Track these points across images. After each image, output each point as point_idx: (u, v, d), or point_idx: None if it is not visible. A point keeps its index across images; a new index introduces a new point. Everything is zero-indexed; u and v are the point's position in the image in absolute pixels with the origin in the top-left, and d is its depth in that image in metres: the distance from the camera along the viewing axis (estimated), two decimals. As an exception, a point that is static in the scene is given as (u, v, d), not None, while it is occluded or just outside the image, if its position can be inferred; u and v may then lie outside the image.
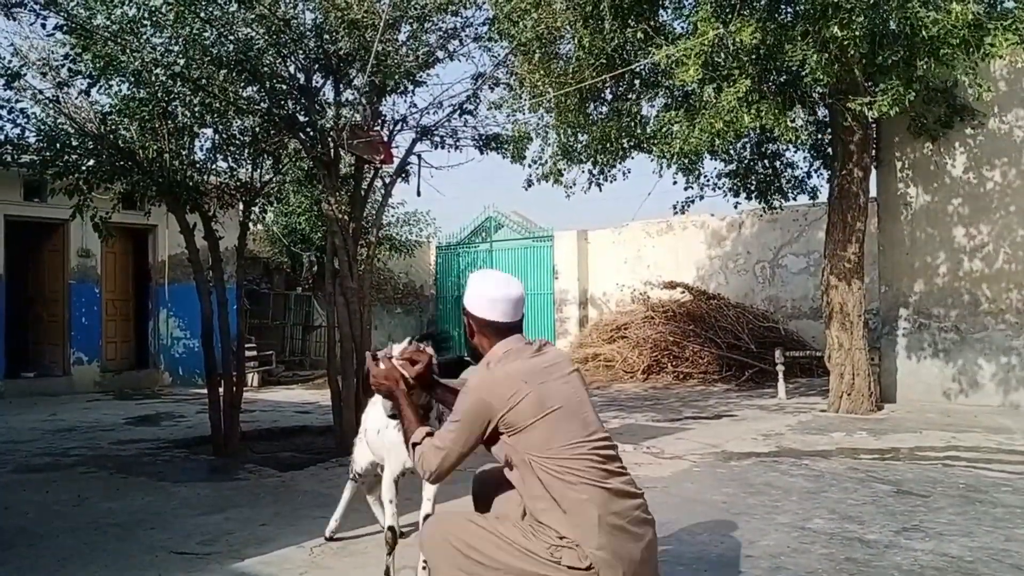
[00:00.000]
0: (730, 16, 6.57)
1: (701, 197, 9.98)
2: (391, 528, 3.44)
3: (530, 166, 8.91)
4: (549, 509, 2.35)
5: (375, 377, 2.73)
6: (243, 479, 5.69)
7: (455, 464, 2.47)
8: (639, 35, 7.18)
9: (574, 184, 9.24)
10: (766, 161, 9.70)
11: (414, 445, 2.54)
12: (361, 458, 3.94)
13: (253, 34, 5.78)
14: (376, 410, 3.64)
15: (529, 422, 2.37)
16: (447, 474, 2.50)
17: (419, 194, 7.22)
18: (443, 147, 7.11)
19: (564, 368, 2.55)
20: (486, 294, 2.60)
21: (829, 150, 8.86)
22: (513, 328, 2.59)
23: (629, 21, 7.36)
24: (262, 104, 6.34)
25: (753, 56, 6.68)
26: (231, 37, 5.72)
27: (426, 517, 3.42)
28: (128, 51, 5.48)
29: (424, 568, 3.30)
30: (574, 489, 2.33)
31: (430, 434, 2.54)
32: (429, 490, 3.50)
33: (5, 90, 5.90)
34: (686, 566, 3.60)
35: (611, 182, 9.41)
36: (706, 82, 6.67)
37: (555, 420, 2.39)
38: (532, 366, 2.47)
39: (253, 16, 5.74)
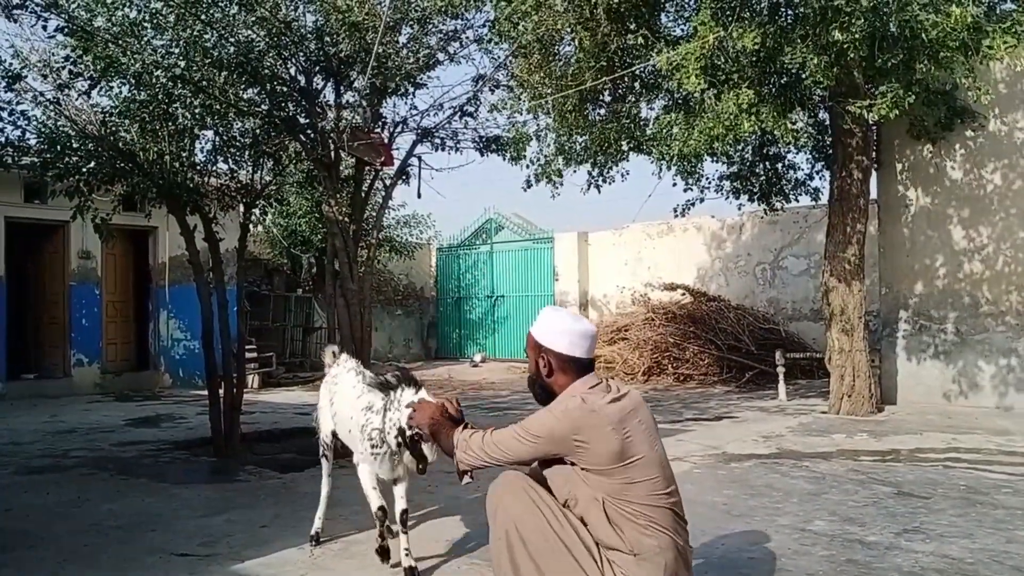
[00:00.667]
0: (730, 19, 6.58)
1: (702, 199, 10.00)
2: (380, 507, 3.62)
3: (528, 167, 8.92)
4: (617, 548, 2.40)
5: (421, 420, 2.87)
6: (244, 481, 5.69)
7: (504, 462, 2.54)
8: (639, 39, 7.19)
9: (562, 184, 9.21)
10: (767, 163, 9.70)
11: (463, 445, 2.60)
12: (324, 427, 4.07)
13: (254, 36, 5.79)
14: (349, 397, 3.73)
15: (610, 467, 2.40)
16: (482, 465, 2.59)
17: (419, 196, 7.24)
18: (443, 149, 7.12)
19: (645, 416, 2.58)
20: (569, 330, 2.61)
21: (831, 152, 8.86)
22: (591, 366, 2.63)
23: (628, 24, 7.37)
24: (263, 106, 6.35)
25: (753, 60, 6.68)
26: (232, 39, 5.73)
27: (403, 511, 3.61)
28: (129, 53, 5.49)
29: (407, 555, 3.50)
30: (648, 536, 2.38)
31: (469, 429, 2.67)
32: (399, 490, 3.66)
33: (6, 92, 5.91)
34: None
35: (610, 184, 9.42)
36: (706, 88, 6.68)
37: (641, 473, 2.43)
38: (620, 410, 2.49)
39: (254, 18, 5.75)
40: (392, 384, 3.41)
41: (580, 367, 2.60)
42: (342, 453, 4.10)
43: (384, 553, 3.66)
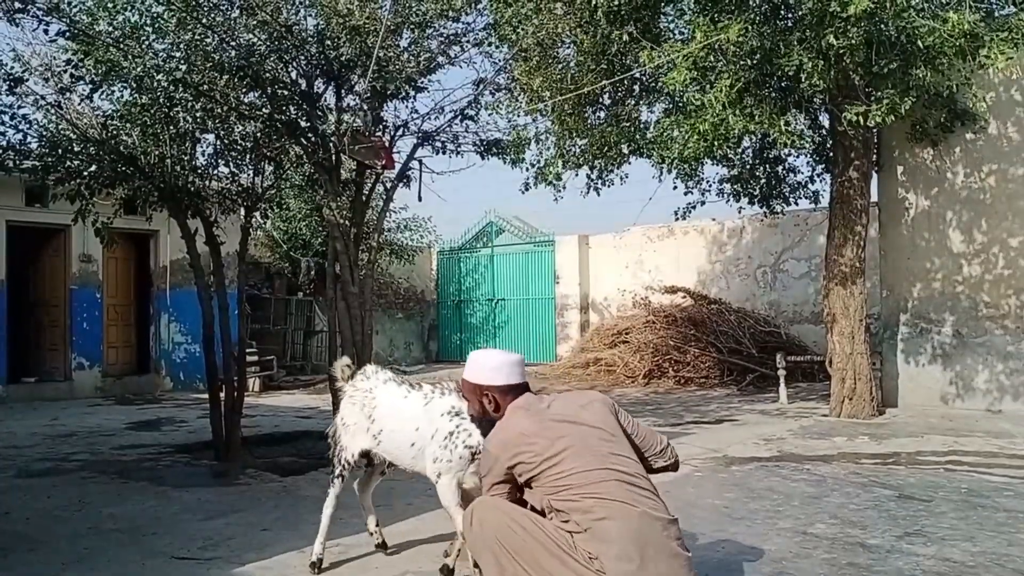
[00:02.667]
0: (727, 20, 6.58)
1: (702, 203, 10.00)
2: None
3: (527, 170, 8.93)
4: (576, 531, 2.51)
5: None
6: (244, 484, 5.69)
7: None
8: (628, 35, 7.19)
9: (564, 188, 9.22)
10: (768, 166, 9.71)
11: None
12: (354, 447, 3.69)
13: (255, 40, 5.80)
14: (406, 407, 3.50)
15: (540, 470, 2.59)
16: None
17: (420, 199, 7.24)
18: (444, 152, 7.12)
19: (577, 410, 2.73)
20: (500, 363, 2.89)
21: (831, 154, 8.87)
22: (523, 388, 2.86)
23: (627, 27, 7.38)
24: (264, 110, 6.36)
25: (745, 61, 6.69)
26: (233, 43, 5.74)
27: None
28: (130, 57, 5.49)
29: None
30: (593, 511, 2.49)
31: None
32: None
33: (7, 96, 5.92)
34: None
35: (610, 187, 9.44)
36: (695, 83, 6.67)
37: (564, 461, 2.57)
38: (537, 419, 2.71)
39: (255, 22, 5.76)
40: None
41: (518, 392, 2.85)
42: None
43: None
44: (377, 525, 3.96)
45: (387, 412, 3.57)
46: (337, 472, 3.76)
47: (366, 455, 3.73)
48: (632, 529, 2.45)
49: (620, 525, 2.45)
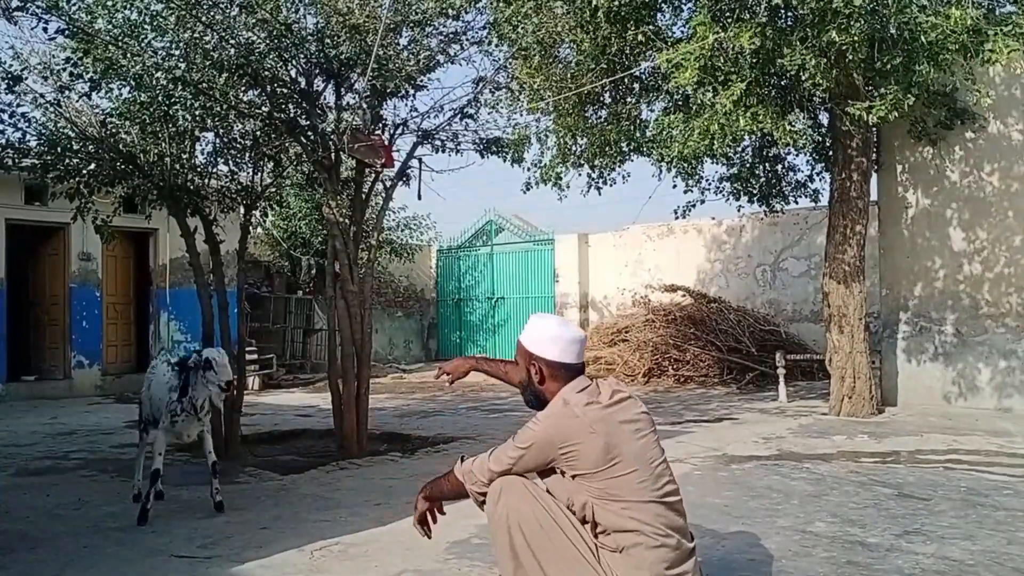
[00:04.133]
0: (729, 20, 6.58)
1: (702, 201, 10.00)
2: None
3: (529, 169, 8.93)
4: (609, 545, 2.46)
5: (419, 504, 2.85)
6: (244, 482, 5.69)
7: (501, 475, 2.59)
8: (639, 38, 7.20)
9: (567, 187, 9.21)
10: (767, 164, 9.71)
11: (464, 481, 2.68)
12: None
13: (254, 38, 5.79)
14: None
15: (594, 470, 2.44)
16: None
17: (420, 198, 7.23)
18: (444, 151, 7.12)
19: (637, 419, 2.60)
20: (559, 336, 2.64)
21: (831, 153, 8.87)
22: (581, 369, 2.66)
23: (628, 26, 7.38)
24: (263, 108, 6.35)
25: (752, 60, 6.69)
26: (232, 41, 5.73)
27: (213, 464, 4.73)
28: (129, 55, 5.49)
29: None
30: (632, 537, 2.43)
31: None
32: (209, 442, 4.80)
33: (6, 94, 5.90)
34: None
35: (610, 185, 9.43)
36: (703, 85, 6.68)
37: (621, 470, 2.45)
38: (606, 415, 2.52)
39: (254, 20, 5.75)
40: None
41: (570, 372, 2.62)
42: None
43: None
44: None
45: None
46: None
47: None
48: (665, 561, 2.44)
49: (654, 556, 2.43)
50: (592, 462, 2.44)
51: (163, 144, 6.27)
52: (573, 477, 2.48)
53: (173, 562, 3.85)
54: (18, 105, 6.07)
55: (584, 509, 2.48)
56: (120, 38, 5.48)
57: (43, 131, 6.23)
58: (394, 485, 4.84)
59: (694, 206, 10.07)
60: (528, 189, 9.24)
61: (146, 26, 5.53)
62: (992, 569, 3.54)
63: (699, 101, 6.94)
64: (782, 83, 7.58)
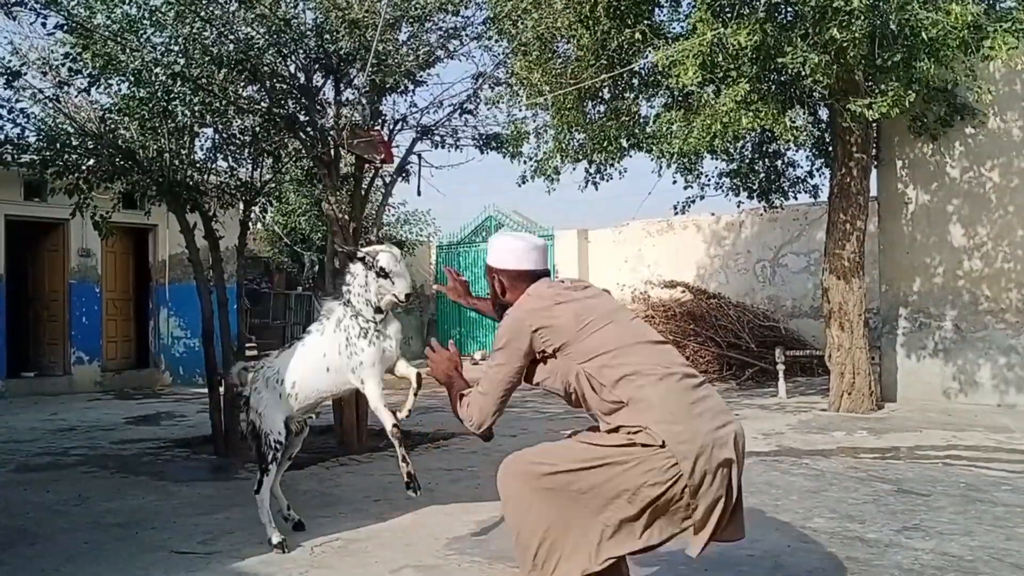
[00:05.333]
0: (729, 16, 6.57)
1: (702, 197, 9.99)
2: (395, 425, 3.70)
3: (525, 162, 8.91)
4: (615, 410, 2.40)
5: (435, 368, 2.83)
6: (244, 478, 5.69)
7: (500, 405, 2.58)
8: (637, 35, 7.18)
9: (558, 180, 9.16)
10: (767, 160, 9.70)
11: (460, 409, 2.67)
12: (277, 423, 3.92)
13: (253, 33, 5.78)
14: (308, 349, 3.90)
15: (572, 334, 2.45)
16: (493, 419, 2.61)
17: (419, 193, 7.22)
18: (443, 146, 7.11)
19: (606, 299, 2.64)
20: (513, 247, 2.70)
21: (830, 149, 8.86)
22: (543, 275, 2.68)
23: (627, 21, 7.36)
24: (262, 103, 6.34)
25: (752, 57, 6.68)
26: (231, 36, 5.72)
27: (418, 375, 3.83)
28: (128, 50, 5.47)
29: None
30: (632, 381, 2.37)
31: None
32: (402, 364, 3.93)
33: (5, 89, 5.89)
34: (687, 565, 3.59)
35: (608, 181, 9.41)
36: (705, 83, 6.67)
37: (599, 327, 2.46)
38: (570, 291, 2.59)
39: (253, 16, 5.74)
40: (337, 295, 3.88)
41: (533, 278, 2.65)
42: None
43: (413, 480, 3.70)
44: (289, 508, 4.20)
45: (291, 366, 3.92)
46: (270, 457, 3.95)
47: (287, 424, 3.98)
48: (671, 390, 2.38)
49: (658, 389, 2.37)
50: (568, 330, 2.46)
51: (162, 140, 6.26)
52: (555, 353, 2.48)
53: (174, 558, 3.85)
54: (17, 101, 6.07)
55: (578, 382, 2.45)
56: (119, 33, 5.47)
57: (42, 127, 6.22)
58: (394, 481, 4.84)
59: (694, 202, 10.06)
60: (524, 182, 9.21)
61: (145, 21, 5.52)
62: (991, 565, 3.54)
63: (700, 99, 6.93)
64: (782, 79, 7.56)
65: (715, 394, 2.50)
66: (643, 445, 2.31)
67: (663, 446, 2.29)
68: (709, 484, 2.32)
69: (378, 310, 3.76)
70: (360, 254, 3.79)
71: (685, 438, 2.30)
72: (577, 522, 2.38)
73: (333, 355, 3.78)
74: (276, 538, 3.86)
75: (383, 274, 3.71)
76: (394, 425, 3.66)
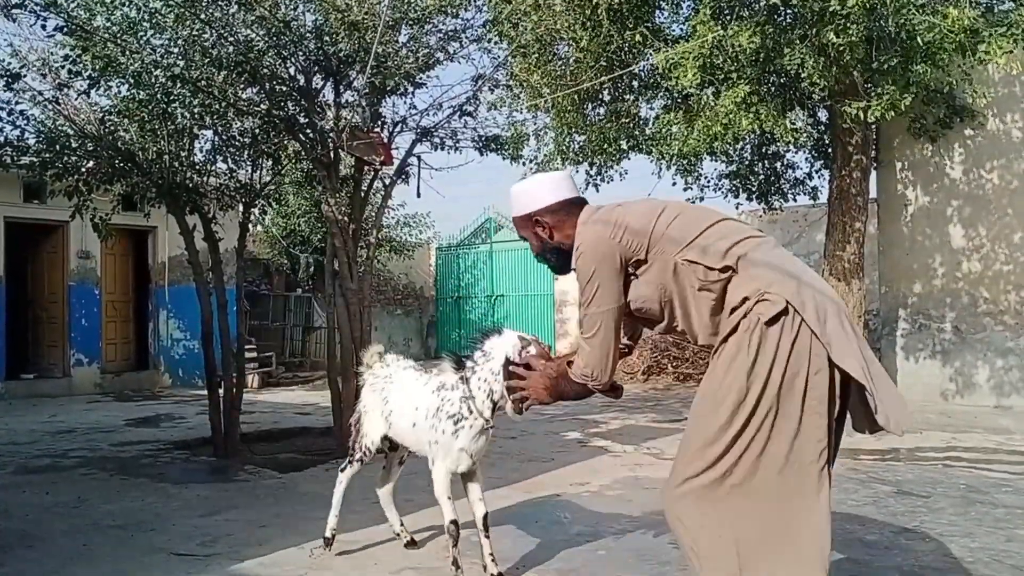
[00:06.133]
0: (728, 19, 6.58)
1: (701, 198, 10.00)
2: (453, 521, 3.35)
3: (525, 164, 8.92)
4: (724, 284, 2.19)
5: (535, 391, 2.64)
6: (243, 480, 5.69)
7: (614, 345, 2.34)
8: (637, 38, 7.19)
9: None
10: (767, 162, 9.71)
11: (575, 374, 2.43)
12: (374, 432, 3.73)
13: (253, 36, 5.78)
14: (413, 389, 3.55)
15: (652, 228, 2.24)
16: (613, 363, 2.37)
17: (419, 195, 7.23)
18: (443, 148, 7.11)
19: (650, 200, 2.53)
20: (546, 182, 2.52)
21: (830, 151, 8.87)
22: (581, 202, 2.47)
23: (627, 23, 7.37)
24: (262, 106, 6.34)
25: (752, 59, 6.69)
26: (231, 39, 5.72)
27: (484, 515, 3.37)
28: (128, 52, 5.48)
29: (493, 561, 3.31)
30: (736, 248, 2.19)
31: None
32: (476, 490, 3.40)
33: (5, 91, 5.89)
34: (686, 569, 3.59)
35: (608, 183, 9.43)
36: (704, 85, 6.69)
37: (673, 215, 2.27)
38: (616, 206, 2.38)
39: (253, 18, 5.74)
40: (461, 360, 3.31)
41: (577, 206, 2.44)
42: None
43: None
44: (402, 524, 3.98)
45: (398, 395, 3.65)
46: (358, 457, 3.82)
47: (387, 439, 3.77)
48: (773, 254, 2.24)
49: (760, 253, 2.20)
50: (646, 227, 2.25)
51: (162, 142, 6.26)
52: (647, 257, 2.25)
53: (173, 560, 3.85)
54: (17, 103, 6.07)
55: (678, 281, 2.24)
56: (119, 35, 5.47)
57: (42, 129, 6.22)
58: (400, 481, 4.83)
59: (693, 203, 10.07)
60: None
61: (145, 23, 5.53)
62: (991, 566, 3.54)
63: (700, 101, 6.94)
64: (782, 81, 7.57)
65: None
66: (769, 321, 2.08)
67: (787, 308, 2.08)
68: (838, 336, 2.09)
69: (494, 408, 3.21)
70: (516, 340, 3.09)
71: (803, 295, 2.11)
72: (763, 498, 2.07)
73: (421, 415, 3.43)
74: (328, 532, 3.80)
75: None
76: (452, 522, 3.33)
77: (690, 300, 2.26)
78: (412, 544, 3.93)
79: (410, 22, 6.32)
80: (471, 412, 3.20)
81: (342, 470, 3.86)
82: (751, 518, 2.09)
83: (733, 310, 2.17)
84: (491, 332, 3.21)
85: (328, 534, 3.82)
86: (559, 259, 2.50)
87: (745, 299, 2.14)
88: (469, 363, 3.24)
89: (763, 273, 2.15)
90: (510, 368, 2.77)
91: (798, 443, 2.08)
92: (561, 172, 2.59)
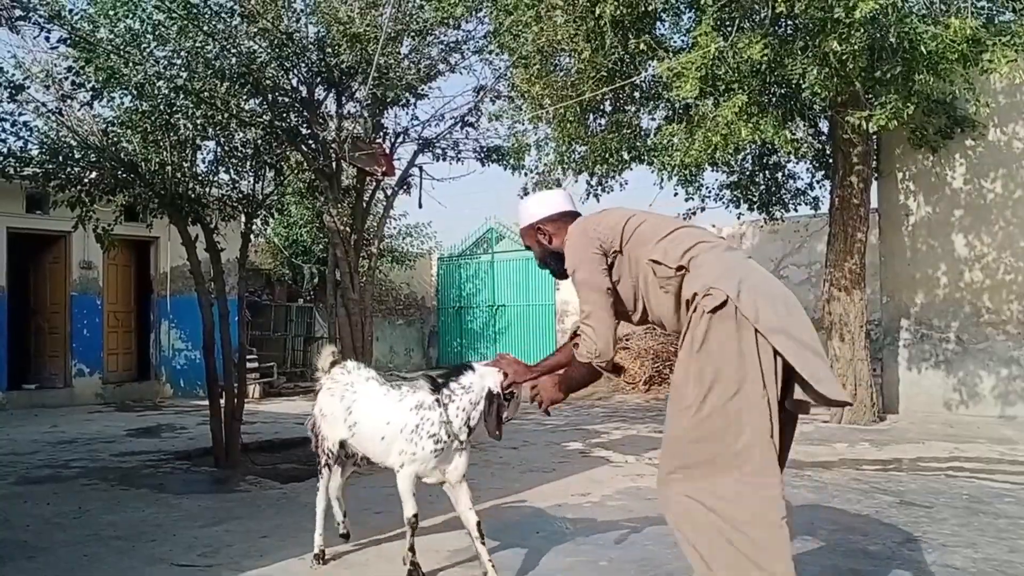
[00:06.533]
0: (730, 30, 6.60)
1: (702, 208, 10.03)
2: (415, 515, 3.50)
3: (526, 175, 8.94)
4: (683, 286, 2.53)
5: (553, 394, 2.93)
6: (244, 491, 5.68)
7: (612, 321, 2.66)
8: (640, 47, 7.21)
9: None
10: (768, 172, 9.72)
11: (580, 355, 2.71)
12: (333, 436, 3.81)
13: (256, 48, 5.82)
14: (384, 403, 3.62)
15: (624, 226, 2.65)
16: (614, 337, 2.67)
17: (420, 206, 7.26)
18: (444, 159, 7.14)
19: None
20: (550, 197, 3.01)
21: (831, 161, 8.88)
22: (578, 215, 2.89)
23: (629, 35, 7.39)
24: (264, 117, 6.37)
25: (754, 70, 6.71)
26: (234, 51, 5.76)
27: (478, 523, 3.45)
28: (131, 64, 5.51)
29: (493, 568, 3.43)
30: (689, 252, 2.54)
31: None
32: (464, 501, 3.49)
33: (8, 103, 5.92)
34: (688, 578, 3.59)
35: (609, 193, 9.44)
36: (704, 95, 6.70)
37: (641, 220, 2.69)
38: (606, 211, 2.85)
39: (256, 30, 5.79)
40: (436, 383, 3.45)
41: (572, 218, 2.86)
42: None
43: (417, 569, 3.49)
44: (345, 516, 4.07)
45: (364, 406, 3.69)
46: (323, 462, 3.91)
47: (343, 445, 3.85)
48: (722, 257, 2.56)
49: (710, 256, 2.54)
50: (618, 226, 2.66)
51: (164, 153, 6.28)
52: (621, 249, 2.64)
53: (174, 571, 3.84)
54: (20, 114, 6.09)
55: (645, 279, 2.61)
56: (122, 47, 5.51)
57: (45, 140, 6.25)
58: (394, 493, 4.80)
59: (694, 213, 10.09)
60: (526, 195, 9.25)
61: (148, 35, 5.56)
62: (994, 577, 3.53)
63: (701, 111, 6.96)
64: (783, 91, 7.59)
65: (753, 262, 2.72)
66: (711, 312, 2.40)
67: (726, 301, 2.39)
68: (779, 323, 2.40)
69: (470, 432, 3.41)
70: (499, 375, 3.32)
71: (741, 288, 2.42)
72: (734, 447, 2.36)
73: (394, 430, 3.50)
74: (316, 548, 3.85)
75: (498, 400, 3.31)
76: (414, 515, 3.48)
77: (657, 294, 2.62)
78: (346, 538, 4.03)
79: (412, 34, 6.36)
80: (448, 436, 3.38)
81: (318, 483, 3.92)
82: (726, 495, 2.36)
83: (687, 304, 2.51)
84: (465, 368, 3.43)
85: (316, 550, 3.83)
86: (558, 263, 2.84)
87: (695, 294, 2.47)
88: (446, 391, 3.39)
89: (708, 271, 2.49)
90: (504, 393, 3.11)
91: (752, 416, 2.36)
92: (560, 189, 2.96)
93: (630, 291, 2.66)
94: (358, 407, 3.70)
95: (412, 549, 3.51)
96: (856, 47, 6.20)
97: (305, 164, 6.76)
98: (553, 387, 2.91)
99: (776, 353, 2.36)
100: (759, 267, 2.67)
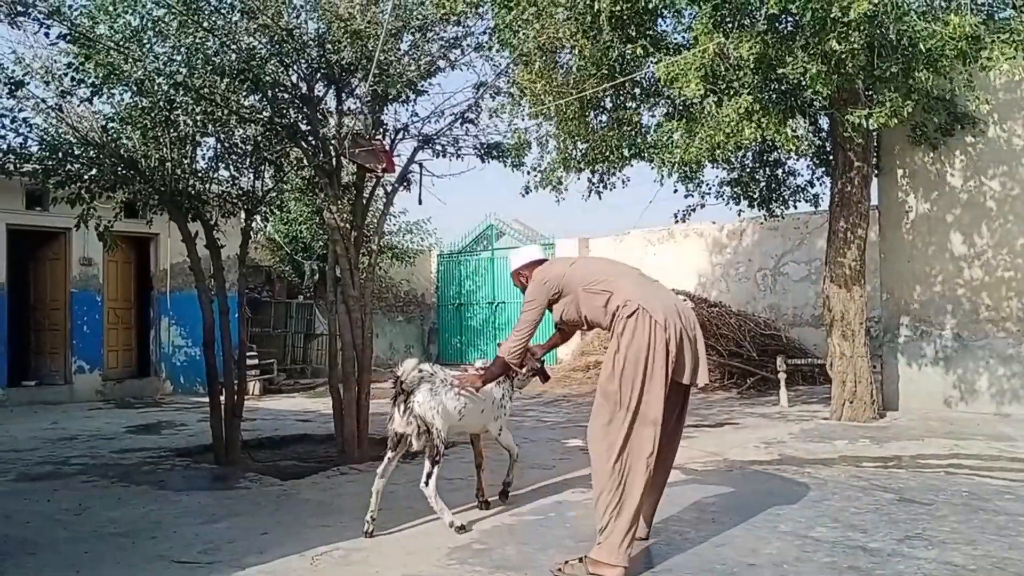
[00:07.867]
0: (730, 27, 6.59)
1: (702, 205, 10.01)
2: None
3: (528, 173, 8.94)
4: (606, 305, 3.75)
5: (475, 381, 4.47)
6: (244, 488, 5.69)
7: (528, 336, 4.09)
8: (639, 51, 7.20)
9: (566, 190, 9.21)
10: (768, 169, 9.71)
11: (500, 352, 4.23)
12: (446, 429, 4.40)
13: (256, 44, 5.81)
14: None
15: (567, 274, 3.96)
16: (524, 344, 4.13)
17: (420, 202, 7.24)
18: (444, 156, 7.13)
19: (589, 258, 4.22)
20: (527, 252, 4.37)
21: (831, 158, 8.88)
22: (544, 261, 4.24)
23: (629, 32, 7.38)
24: (264, 113, 6.37)
25: (754, 68, 6.69)
26: (234, 47, 5.75)
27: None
28: (131, 60, 5.51)
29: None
30: (614, 282, 3.80)
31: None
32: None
33: (8, 99, 5.92)
34: (691, 575, 3.59)
35: (610, 190, 9.42)
36: (707, 95, 6.69)
37: (583, 266, 4.08)
38: (556, 260, 4.28)
39: (256, 26, 5.77)
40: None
41: (539, 263, 4.21)
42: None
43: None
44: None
45: (461, 395, 4.53)
46: (441, 452, 4.37)
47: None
48: (636, 281, 3.88)
49: (627, 281, 3.84)
50: (561, 274, 3.97)
51: (164, 149, 6.28)
52: (563, 291, 3.94)
53: (174, 568, 3.85)
54: (20, 110, 6.09)
55: (581, 303, 3.87)
56: (122, 43, 5.50)
57: (44, 136, 6.24)
58: (395, 490, 4.83)
59: (694, 210, 10.08)
60: (527, 192, 9.25)
61: (148, 31, 5.56)
62: (994, 574, 3.54)
63: (702, 109, 6.94)
64: (783, 89, 7.57)
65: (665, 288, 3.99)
66: (627, 316, 3.62)
67: (637, 309, 3.61)
68: (676, 332, 3.66)
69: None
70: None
71: (652, 303, 3.66)
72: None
73: (488, 404, 4.70)
74: (457, 521, 4.31)
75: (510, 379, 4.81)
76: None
77: (592, 311, 3.86)
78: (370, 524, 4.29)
79: (412, 30, 6.35)
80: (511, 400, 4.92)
81: (427, 479, 4.25)
82: (623, 430, 3.59)
83: (613, 315, 3.72)
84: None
85: (458, 523, 4.29)
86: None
87: (618, 307, 3.69)
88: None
89: (625, 291, 3.74)
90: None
91: (652, 384, 3.58)
92: (535, 245, 4.24)
93: (574, 309, 3.91)
94: (449, 396, 4.41)
95: (510, 471, 4.90)
96: (855, 45, 6.19)
97: (305, 160, 6.75)
98: (475, 376, 4.46)
99: (667, 343, 3.58)
100: (662, 285, 3.93)
